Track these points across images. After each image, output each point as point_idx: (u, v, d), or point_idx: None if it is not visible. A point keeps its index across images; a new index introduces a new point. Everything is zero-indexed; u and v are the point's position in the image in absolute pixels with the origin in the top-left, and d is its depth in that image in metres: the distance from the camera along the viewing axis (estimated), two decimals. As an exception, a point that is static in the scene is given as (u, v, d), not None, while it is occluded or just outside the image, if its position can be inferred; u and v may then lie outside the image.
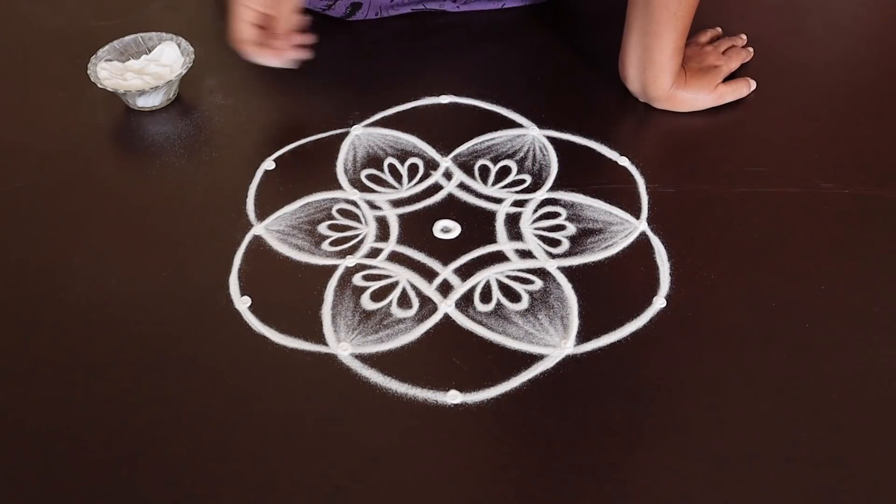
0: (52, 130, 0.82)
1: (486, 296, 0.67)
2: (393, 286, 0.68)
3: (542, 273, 0.68)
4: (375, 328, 0.65)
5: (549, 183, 0.76)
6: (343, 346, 0.63)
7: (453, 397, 0.60)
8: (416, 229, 0.72)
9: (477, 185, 0.76)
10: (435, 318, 0.65)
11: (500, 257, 0.70)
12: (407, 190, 0.76)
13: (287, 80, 0.88)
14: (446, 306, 0.66)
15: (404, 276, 0.68)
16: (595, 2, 0.96)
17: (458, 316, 0.65)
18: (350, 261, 0.69)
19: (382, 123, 0.82)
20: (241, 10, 0.75)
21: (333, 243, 0.71)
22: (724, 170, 0.76)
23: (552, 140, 0.79)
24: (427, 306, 0.66)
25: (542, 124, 0.81)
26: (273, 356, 0.63)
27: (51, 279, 0.69)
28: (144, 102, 0.82)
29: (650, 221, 0.72)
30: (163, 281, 0.68)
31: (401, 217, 0.73)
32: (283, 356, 0.63)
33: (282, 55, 0.77)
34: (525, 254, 0.70)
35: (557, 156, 0.78)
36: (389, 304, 0.66)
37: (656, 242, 0.70)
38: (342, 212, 0.74)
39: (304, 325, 0.65)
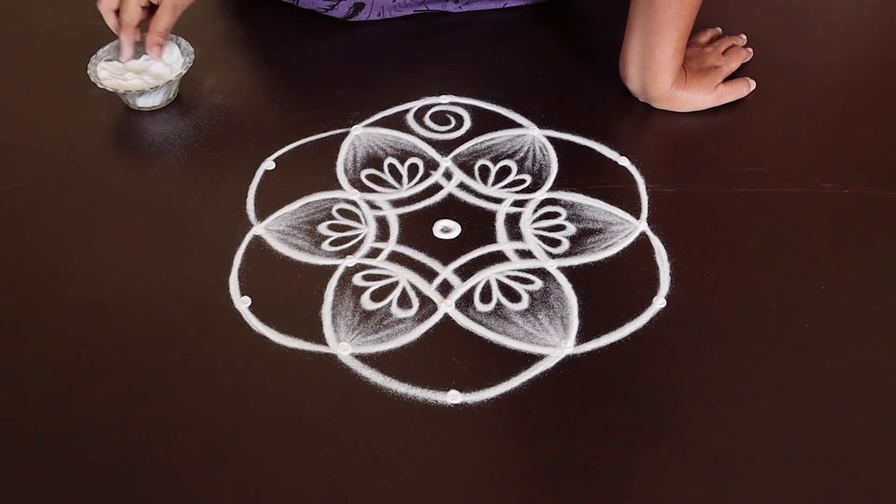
0: (52, 130, 0.82)
1: (486, 296, 0.67)
2: (393, 286, 0.68)
3: (542, 273, 0.68)
4: (375, 328, 0.65)
5: (549, 183, 0.76)
6: (343, 346, 0.63)
7: (453, 397, 0.60)
8: (416, 229, 0.72)
9: (477, 185, 0.76)
10: (435, 318, 0.65)
11: (500, 257, 0.70)
12: (407, 190, 0.76)
13: (287, 81, 0.88)
14: (446, 306, 0.66)
15: (404, 276, 0.68)
16: (595, 2, 0.96)
17: (458, 316, 0.65)
18: (350, 261, 0.69)
19: (382, 123, 0.82)
20: None
21: (333, 243, 0.71)
22: (723, 170, 0.76)
23: (552, 140, 0.79)
24: (427, 306, 0.66)
25: (542, 124, 0.81)
26: (273, 356, 0.63)
27: (51, 279, 0.69)
28: (144, 102, 0.82)
29: (650, 221, 0.72)
30: (163, 281, 0.68)
31: (401, 217, 0.73)
32: (283, 356, 0.63)
33: (151, 47, 0.81)
34: (525, 254, 0.70)
35: (557, 156, 0.78)
36: (389, 304, 0.66)
37: (656, 242, 0.70)
38: (342, 212, 0.74)
39: (304, 325, 0.65)
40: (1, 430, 0.59)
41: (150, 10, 0.81)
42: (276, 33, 0.92)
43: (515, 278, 0.68)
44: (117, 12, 0.81)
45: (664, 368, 0.62)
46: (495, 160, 0.78)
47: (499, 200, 0.74)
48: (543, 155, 0.78)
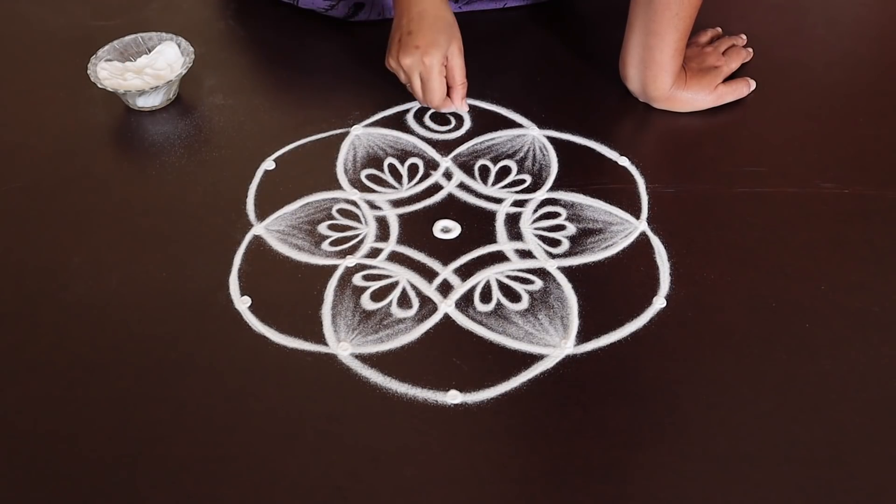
0: (52, 130, 0.82)
1: (486, 296, 0.67)
2: (393, 286, 0.68)
3: (542, 273, 0.68)
4: (375, 328, 0.65)
5: (549, 183, 0.76)
6: (343, 346, 0.63)
7: (453, 397, 0.60)
8: (416, 229, 0.72)
9: (477, 185, 0.76)
10: (435, 318, 0.65)
11: (500, 257, 0.70)
12: (407, 190, 0.75)
13: (287, 81, 0.88)
14: (446, 306, 0.66)
15: (404, 276, 0.68)
16: (595, 2, 0.96)
17: (458, 316, 0.65)
18: (350, 261, 0.69)
19: (382, 123, 0.82)
20: (436, 69, 0.76)
21: (333, 243, 0.71)
22: (723, 170, 0.76)
23: (552, 140, 0.79)
24: (427, 306, 0.66)
25: (542, 124, 0.81)
26: (273, 356, 0.63)
27: (51, 279, 0.69)
28: (144, 102, 0.82)
29: (650, 221, 0.72)
30: (163, 281, 0.68)
31: (401, 217, 0.73)
32: (283, 356, 0.63)
33: (461, 102, 0.80)
34: (525, 254, 0.70)
35: (557, 156, 0.78)
36: (389, 304, 0.66)
37: (656, 242, 0.70)
38: (342, 212, 0.74)
39: (304, 325, 0.65)
40: (1, 430, 0.59)
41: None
42: (276, 33, 0.92)
43: (515, 278, 0.68)
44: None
45: (664, 368, 0.62)
46: (495, 160, 0.78)
47: (499, 200, 0.74)
48: (543, 155, 0.78)
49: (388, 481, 0.56)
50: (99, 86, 0.80)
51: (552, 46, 0.90)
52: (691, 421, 0.59)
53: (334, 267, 0.69)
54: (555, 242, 0.71)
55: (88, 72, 0.82)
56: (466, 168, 0.77)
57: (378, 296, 0.67)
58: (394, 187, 0.76)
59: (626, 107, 0.83)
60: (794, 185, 0.75)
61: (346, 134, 0.80)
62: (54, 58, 0.90)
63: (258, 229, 0.72)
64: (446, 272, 0.69)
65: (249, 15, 0.95)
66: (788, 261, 0.69)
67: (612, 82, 0.84)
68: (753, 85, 0.83)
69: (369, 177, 0.77)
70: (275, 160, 0.78)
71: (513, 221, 0.73)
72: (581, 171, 0.77)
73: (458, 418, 0.59)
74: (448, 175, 0.77)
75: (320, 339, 0.64)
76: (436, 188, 0.76)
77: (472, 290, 0.67)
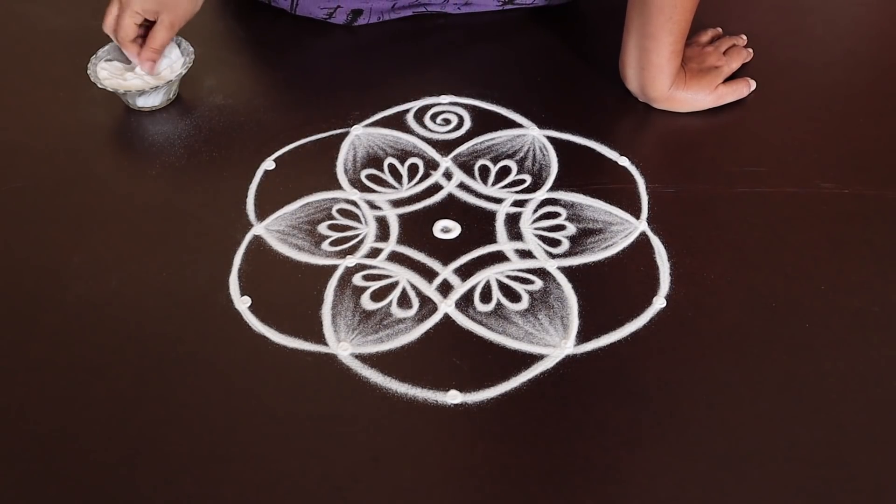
0: (52, 130, 0.82)
1: (486, 296, 0.67)
2: (393, 286, 0.68)
3: (542, 273, 0.68)
4: (375, 328, 0.65)
5: (549, 183, 0.76)
6: (343, 346, 0.63)
7: (453, 397, 0.60)
8: (416, 229, 0.72)
9: (477, 185, 0.76)
10: (435, 318, 0.65)
11: (500, 257, 0.70)
12: (407, 190, 0.76)
13: (287, 80, 0.88)
14: (446, 306, 0.66)
15: (404, 276, 0.68)
16: (595, 3, 0.96)
17: (458, 316, 0.65)
18: (350, 261, 0.69)
19: (382, 123, 0.82)
20: (129, 7, 0.78)
21: (333, 243, 0.71)
22: (723, 170, 0.76)
23: (552, 140, 0.79)
24: (427, 306, 0.66)
25: (542, 124, 0.81)
26: (273, 356, 0.63)
27: (51, 279, 0.69)
28: (144, 102, 0.82)
29: (650, 221, 0.72)
30: (163, 281, 0.68)
31: (401, 217, 0.73)
32: (283, 356, 0.63)
33: (143, 63, 0.81)
34: (525, 254, 0.70)
35: (557, 156, 0.78)
36: (389, 304, 0.66)
37: (656, 242, 0.70)
38: (342, 212, 0.74)
39: (304, 325, 0.65)
40: (1, 430, 0.59)
41: (149, 27, 0.81)
42: (276, 33, 0.92)
43: (515, 278, 0.68)
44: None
45: (664, 368, 0.62)
46: (495, 160, 0.78)
47: (499, 200, 0.74)
48: (543, 155, 0.78)
49: (388, 481, 0.56)
50: (99, 86, 0.80)
51: (552, 46, 0.90)
52: (691, 421, 0.59)
53: (334, 267, 0.69)
54: (555, 242, 0.71)
55: (88, 72, 0.82)
56: (466, 168, 0.77)
57: (378, 296, 0.67)
58: (394, 187, 0.76)
59: (626, 107, 0.83)
60: (794, 185, 0.75)
61: (346, 134, 0.80)
62: (54, 58, 0.90)
63: (258, 229, 0.72)
64: (446, 272, 0.69)
65: (249, 15, 0.95)
66: (788, 261, 0.69)
67: (612, 82, 0.84)
68: (753, 85, 0.83)
69: (369, 177, 0.77)
70: (275, 160, 0.78)
71: (513, 221, 0.73)
72: (581, 171, 0.77)
73: (458, 418, 0.59)
74: (448, 175, 0.77)
75: (320, 339, 0.64)
76: (436, 188, 0.76)
77: (472, 290, 0.67)
